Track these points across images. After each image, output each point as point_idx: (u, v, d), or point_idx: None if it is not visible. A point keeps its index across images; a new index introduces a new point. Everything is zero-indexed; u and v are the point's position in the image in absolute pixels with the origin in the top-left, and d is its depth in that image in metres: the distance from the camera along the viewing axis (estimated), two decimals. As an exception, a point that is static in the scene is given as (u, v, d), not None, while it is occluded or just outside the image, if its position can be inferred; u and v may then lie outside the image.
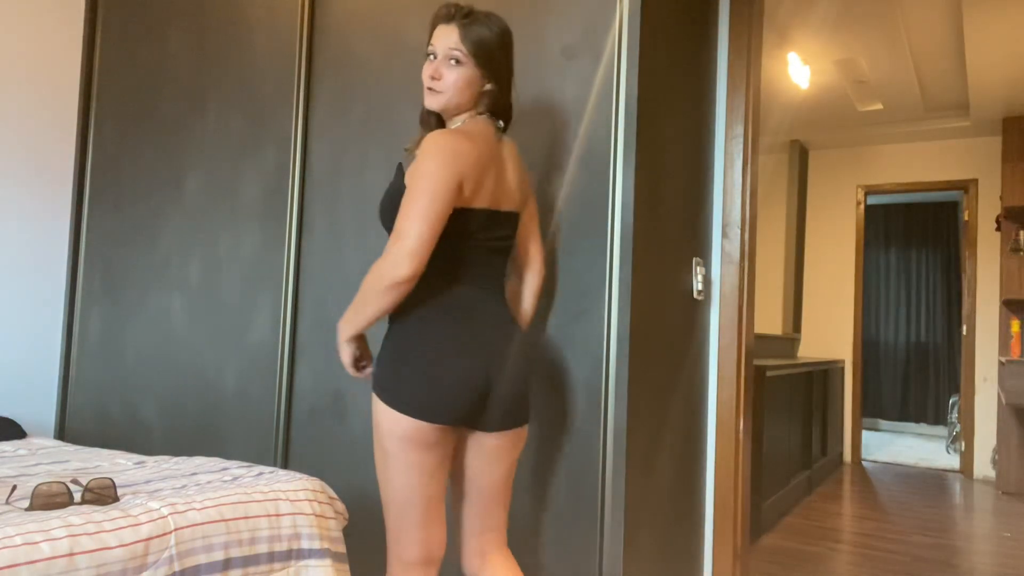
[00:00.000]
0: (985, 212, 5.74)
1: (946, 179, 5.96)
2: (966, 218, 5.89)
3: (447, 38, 1.57)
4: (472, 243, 1.57)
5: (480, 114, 1.63)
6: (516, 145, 1.72)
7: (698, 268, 2.23)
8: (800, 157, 6.31)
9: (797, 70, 4.66)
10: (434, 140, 1.50)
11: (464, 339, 1.51)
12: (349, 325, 1.53)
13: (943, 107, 5.53)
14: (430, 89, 1.59)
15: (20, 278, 2.86)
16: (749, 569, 2.54)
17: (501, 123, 1.66)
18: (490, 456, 1.59)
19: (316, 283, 2.34)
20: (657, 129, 1.97)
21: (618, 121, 1.86)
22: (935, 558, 3.50)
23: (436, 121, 1.67)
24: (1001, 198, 5.40)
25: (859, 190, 6.29)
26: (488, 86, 1.61)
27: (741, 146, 2.34)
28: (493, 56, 1.59)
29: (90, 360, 2.89)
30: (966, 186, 5.87)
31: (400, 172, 1.58)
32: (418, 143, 1.62)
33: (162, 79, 2.80)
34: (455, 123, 1.63)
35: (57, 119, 2.95)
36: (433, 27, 1.61)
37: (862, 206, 6.30)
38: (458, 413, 1.50)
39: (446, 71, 1.57)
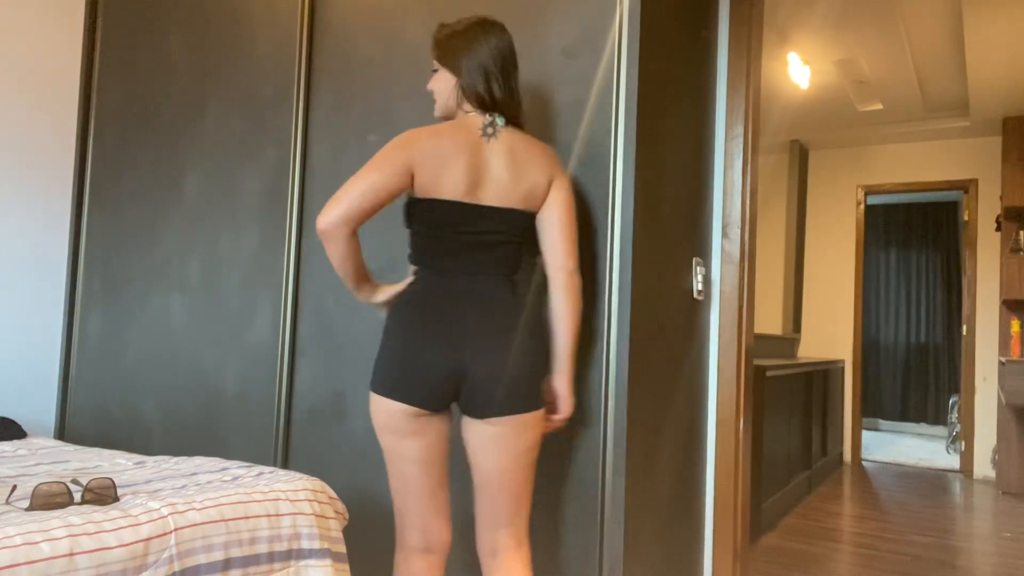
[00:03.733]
0: (985, 212, 5.74)
1: (946, 179, 5.96)
2: (966, 218, 5.89)
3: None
4: (449, 235, 1.61)
5: (468, 112, 1.68)
6: (530, 140, 1.68)
7: (698, 268, 2.23)
8: (800, 157, 6.31)
9: (797, 70, 4.66)
10: (398, 135, 1.74)
11: (435, 324, 1.57)
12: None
13: (943, 107, 5.53)
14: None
15: (20, 278, 2.86)
16: (749, 569, 2.54)
17: (493, 117, 1.66)
18: (488, 444, 1.61)
19: (316, 283, 2.34)
20: (657, 129, 1.97)
21: (618, 121, 1.86)
22: (935, 558, 3.50)
23: None
24: (1001, 198, 5.40)
25: (859, 190, 6.29)
26: (455, 80, 1.68)
27: (741, 146, 2.34)
28: (448, 50, 1.68)
29: (90, 360, 2.89)
30: (966, 186, 5.87)
31: None
32: None
33: (162, 79, 2.80)
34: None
35: (57, 119, 2.95)
36: None
37: (862, 206, 6.29)
38: (425, 395, 1.55)
39: (431, 81, 1.75)
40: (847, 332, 6.25)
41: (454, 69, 1.68)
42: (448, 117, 1.72)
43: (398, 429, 1.59)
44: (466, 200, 1.61)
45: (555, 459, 1.90)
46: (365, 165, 1.58)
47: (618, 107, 1.86)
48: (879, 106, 5.44)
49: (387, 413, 1.59)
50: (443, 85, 1.70)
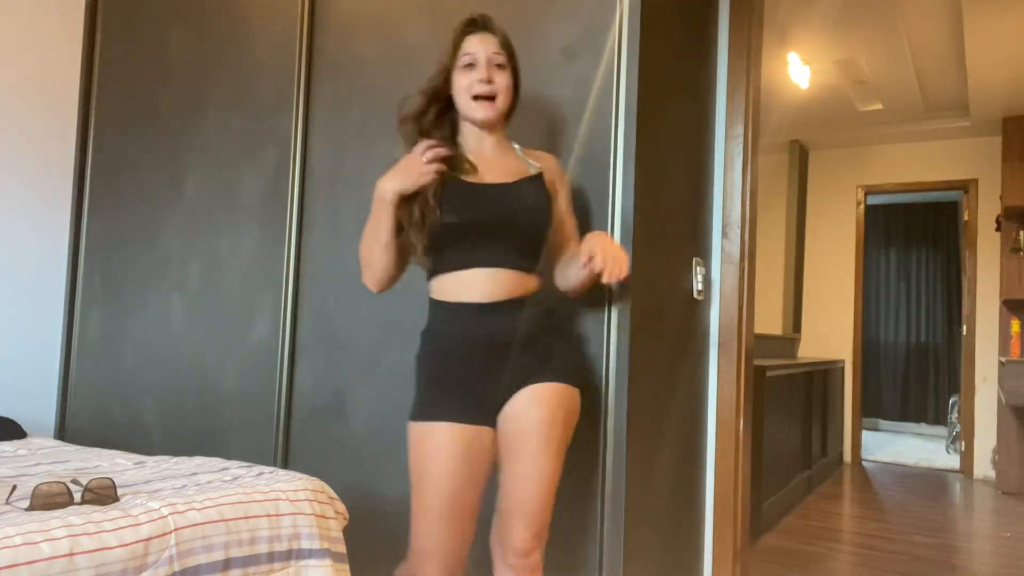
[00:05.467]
0: (985, 212, 5.73)
1: (946, 179, 5.96)
2: (966, 218, 5.89)
3: (487, 44, 1.57)
4: None
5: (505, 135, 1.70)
6: None
7: (698, 268, 2.23)
8: (800, 157, 6.31)
9: (797, 70, 4.66)
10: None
11: None
12: None
13: (943, 107, 5.53)
14: (480, 97, 1.56)
15: (20, 278, 2.86)
16: (749, 569, 2.54)
17: None
18: None
19: (316, 283, 2.34)
20: (657, 129, 1.96)
21: (618, 121, 1.86)
22: (935, 558, 3.50)
23: (449, 129, 1.64)
24: (1001, 198, 5.40)
25: (859, 190, 6.29)
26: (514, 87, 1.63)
27: (741, 146, 2.34)
28: (518, 69, 1.64)
29: (90, 360, 2.88)
30: (966, 186, 5.87)
31: (542, 182, 1.63)
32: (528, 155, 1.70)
33: (162, 79, 2.79)
34: (494, 137, 1.65)
35: (57, 119, 2.95)
36: (460, 38, 1.59)
37: (862, 206, 6.29)
38: None
39: (496, 75, 1.57)
40: (847, 332, 6.25)
41: (516, 76, 1.63)
42: (500, 119, 1.62)
43: None
44: None
45: (555, 459, 1.90)
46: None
47: (618, 107, 1.86)
48: (879, 106, 5.44)
49: None
50: (510, 86, 1.61)
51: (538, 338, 1.58)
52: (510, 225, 1.55)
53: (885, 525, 4.09)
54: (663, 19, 1.99)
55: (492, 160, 1.62)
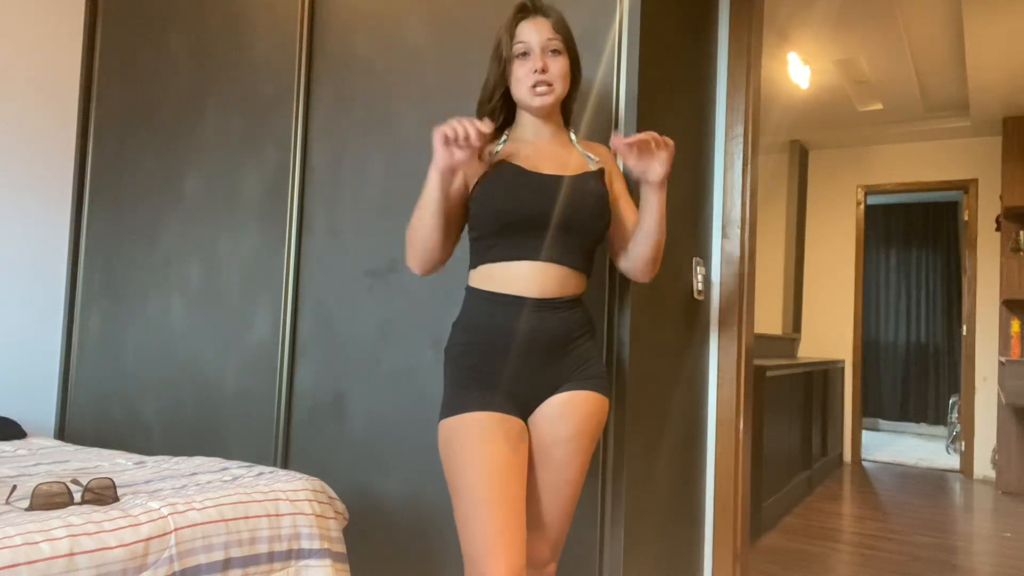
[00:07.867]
0: (985, 212, 5.74)
1: (946, 179, 5.96)
2: (966, 218, 5.89)
3: (540, 30, 1.52)
4: None
5: (568, 126, 1.66)
6: None
7: (698, 268, 2.23)
8: (800, 157, 6.31)
9: (797, 70, 4.66)
10: None
11: None
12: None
13: (943, 107, 5.53)
14: (538, 85, 1.51)
15: (20, 278, 2.86)
16: (749, 569, 2.54)
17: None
18: None
19: (316, 283, 2.34)
20: (657, 129, 1.96)
21: (618, 121, 1.86)
22: (935, 558, 3.50)
23: (504, 121, 1.61)
24: (1001, 198, 5.40)
25: (859, 190, 6.29)
26: (570, 73, 1.58)
27: (741, 146, 2.34)
28: (576, 50, 1.59)
29: (90, 360, 2.89)
30: (966, 186, 5.87)
31: (602, 178, 1.57)
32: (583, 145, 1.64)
33: (162, 79, 2.80)
34: (551, 127, 1.60)
35: (57, 119, 2.95)
36: (513, 26, 1.54)
37: (862, 206, 6.30)
38: None
39: (550, 62, 1.51)
40: (847, 332, 6.25)
41: (576, 61, 1.59)
42: (555, 106, 1.57)
43: None
44: None
45: (555, 459, 1.90)
46: None
47: (618, 107, 1.86)
48: (879, 106, 5.44)
49: None
50: (567, 72, 1.55)
51: (579, 341, 1.52)
52: (567, 220, 1.48)
53: (885, 525, 4.09)
54: (663, 19, 2.00)
55: (549, 152, 1.57)
